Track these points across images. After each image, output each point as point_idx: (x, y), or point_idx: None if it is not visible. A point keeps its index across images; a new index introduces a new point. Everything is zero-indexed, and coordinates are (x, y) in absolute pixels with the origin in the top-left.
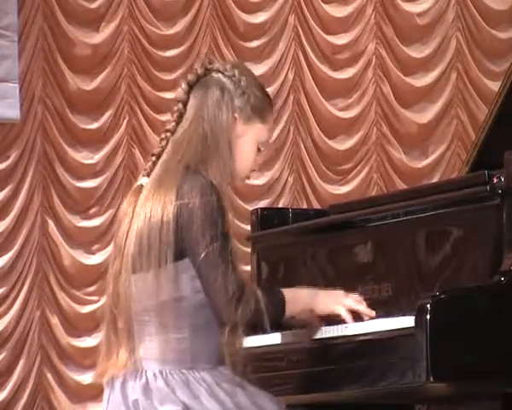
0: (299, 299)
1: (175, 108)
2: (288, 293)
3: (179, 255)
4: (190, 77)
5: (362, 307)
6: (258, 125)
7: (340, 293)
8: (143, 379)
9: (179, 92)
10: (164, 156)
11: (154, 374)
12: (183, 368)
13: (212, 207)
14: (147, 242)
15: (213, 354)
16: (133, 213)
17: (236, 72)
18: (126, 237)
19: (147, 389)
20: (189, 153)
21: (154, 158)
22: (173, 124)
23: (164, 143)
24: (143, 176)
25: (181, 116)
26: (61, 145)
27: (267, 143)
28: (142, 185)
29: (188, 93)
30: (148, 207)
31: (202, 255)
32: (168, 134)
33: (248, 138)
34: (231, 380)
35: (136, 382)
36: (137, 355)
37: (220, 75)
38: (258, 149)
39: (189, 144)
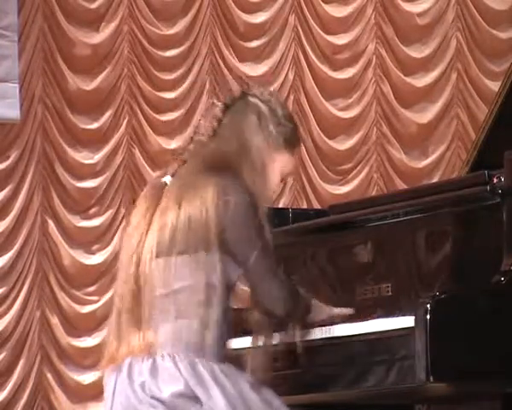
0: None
1: (209, 124)
2: None
3: (217, 246)
4: (227, 98)
5: None
6: (287, 156)
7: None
8: (150, 360)
9: (216, 111)
10: (194, 161)
11: (163, 355)
12: (192, 355)
13: (254, 206)
14: (182, 231)
15: (222, 351)
16: (156, 207)
17: (273, 100)
18: (148, 228)
19: (153, 369)
20: (225, 163)
21: (180, 162)
22: (205, 137)
23: (192, 152)
24: (166, 175)
25: (214, 132)
26: (61, 145)
27: (288, 175)
28: (165, 183)
29: (223, 112)
30: (184, 204)
31: (254, 256)
32: (198, 145)
33: (276, 166)
34: (238, 374)
35: (143, 363)
36: (148, 340)
37: (257, 101)
38: (282, 180)
39: (225, 156)
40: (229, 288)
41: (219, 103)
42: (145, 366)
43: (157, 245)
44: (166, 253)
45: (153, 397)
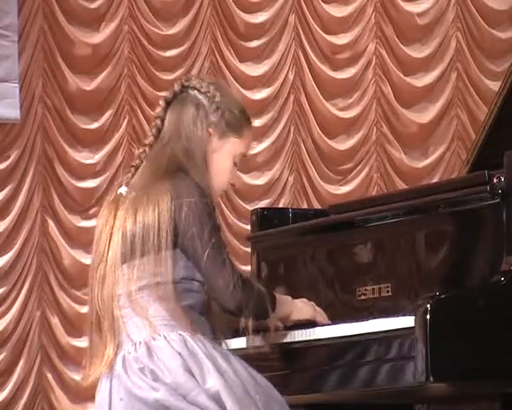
0: (283, 304)
1: (153, 124)
2: (277, 296)
3: (170, 246)
4: (167, 94)
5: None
6: (234, 140)
7: (307, 301)
8: (143, 346)
9: (158, 109)
10: (145, 167)
11: (153, 337)
12: (180, 331)
13: (207, 204)
14: (139, 238)
15: (207, 331)
16: (115, 219)
17: (211, 87)
18: (109, 242)
19: (149, 352)
20: (172, 165)
21: (133, 170)
22: (152, 138)
23: (143, 156)
24: (121, 186)
25: (159, 131)
26: (61, 145)
27: (244, 157)
28: (121, 194)
29: (165, 109)
30: (140, 212)
31: (205, 253)
32: (147, 148)
33: (224, 153)
34: (225, 350)
35: (137, 352)
36: (127, 337)
37: (196, 92)
38: (235, 164)
39: (171, 158)
40: (192, 283)
41: (160, 101)
42: (140, 352)
43: (120, 257)
44: (129, 259)
45: (154, 379)
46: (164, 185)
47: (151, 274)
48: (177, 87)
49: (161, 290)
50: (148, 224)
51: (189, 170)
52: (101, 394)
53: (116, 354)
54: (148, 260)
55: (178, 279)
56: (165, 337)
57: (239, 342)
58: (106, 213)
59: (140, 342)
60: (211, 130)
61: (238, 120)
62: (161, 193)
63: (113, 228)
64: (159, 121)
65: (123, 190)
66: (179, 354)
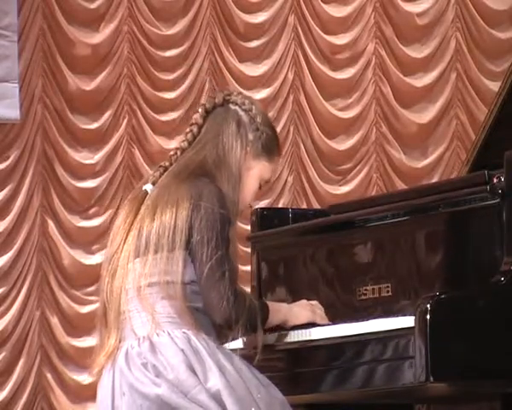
0: (278, 311)
1: (188, 130)
2: (270, 305)
3: (183, 245)
4: (208, 104)
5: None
6: (265, 163)
7: (306, 304)
8: (146, 341)
9: (196, 115)
10: (174, 168)
11: (157, 333)
12: (184, 329)
13: (224, 216)
14: (155, 234)
15: (212, 333)
16: (135, 215)
17: (253, 107)
18: (126, 236)
19: (152, 348)
20: (200, 169)
21: (161, 169)
22: (186, 143)
23: (174, 158)
24: (147, 183)
25: (194, 138)
26: (60, 145)
27: (266, 183)
28: (146, 191)
29: (204, 118)
30: (159, 209)
31: (208, 263)
32: (178, 152)
33: (254, 173)
34: (229, 350)
35: (140, 347)
36: (132, 331)
37: (237, 108)
38: (260, 186)
39: (201, 163)
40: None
41: (200, 109)
42: (144, 347)
43: (134, 251)
44: (142, 254)
45: (157, 375)
46: (186, 186)
47: (162, 272)
48: (218, 99)
49: (171, 289)
50: (165, 221)
51: (216, 178)
52: (104, 390)
53: (119, 348)
54: (160, 257)
55: (188, 281)
56: (168, 334)
57: (239, 343)
58: (127, 209)
59: (144, 337)
60: (248, 148)
61: (272, 145)
62: (182, 193)
63: (132, 224)
64: (195, 128)
65: (148, 187)
66: (182, 351)
